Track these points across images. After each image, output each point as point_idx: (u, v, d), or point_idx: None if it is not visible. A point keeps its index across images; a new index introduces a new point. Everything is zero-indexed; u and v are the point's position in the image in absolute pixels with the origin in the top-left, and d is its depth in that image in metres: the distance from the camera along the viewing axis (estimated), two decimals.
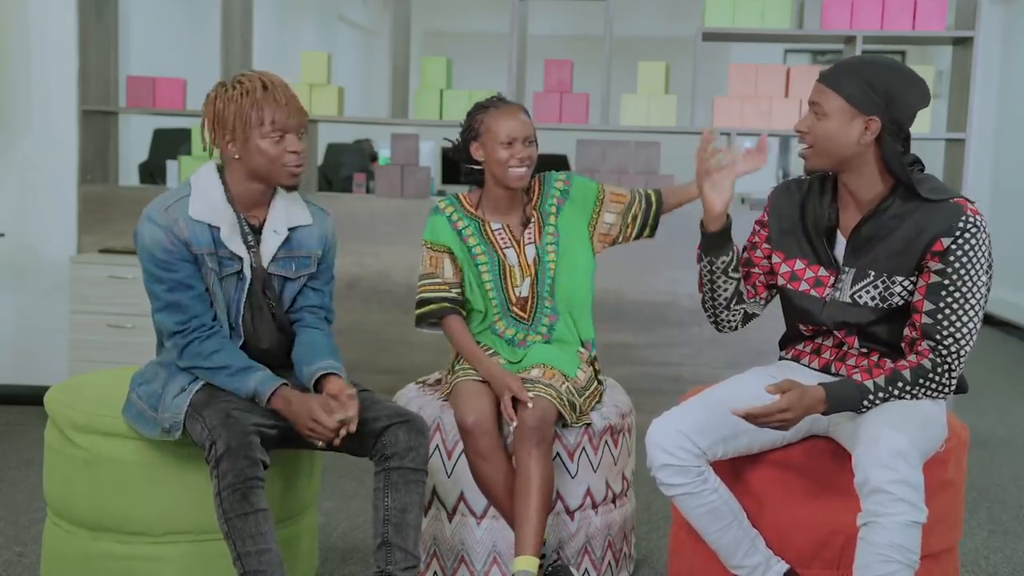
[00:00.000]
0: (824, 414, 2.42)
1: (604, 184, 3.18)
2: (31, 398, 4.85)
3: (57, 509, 2.78)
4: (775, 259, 2.65)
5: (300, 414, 2.51)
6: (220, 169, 2.65)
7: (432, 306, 3.08)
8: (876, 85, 2.39)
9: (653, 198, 3.19)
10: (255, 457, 2.41)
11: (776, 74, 4.87)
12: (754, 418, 2.39)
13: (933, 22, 4.70)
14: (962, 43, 4.79)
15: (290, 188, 2.65)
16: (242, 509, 2.38)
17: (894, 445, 2.24)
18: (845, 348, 2.58)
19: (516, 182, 3.01)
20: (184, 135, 5.49)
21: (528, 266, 3.08)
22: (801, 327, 2.65)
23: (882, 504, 2.23)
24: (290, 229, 2.68)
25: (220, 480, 2.39)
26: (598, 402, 3.09)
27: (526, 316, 3.09)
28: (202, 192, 2.60)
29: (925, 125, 4.75)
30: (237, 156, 2.57)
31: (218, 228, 2.58)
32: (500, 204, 3.10)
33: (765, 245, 2.68)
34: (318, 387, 2.61)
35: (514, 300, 3.08)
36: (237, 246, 2.60)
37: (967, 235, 2.38)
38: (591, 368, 3.11)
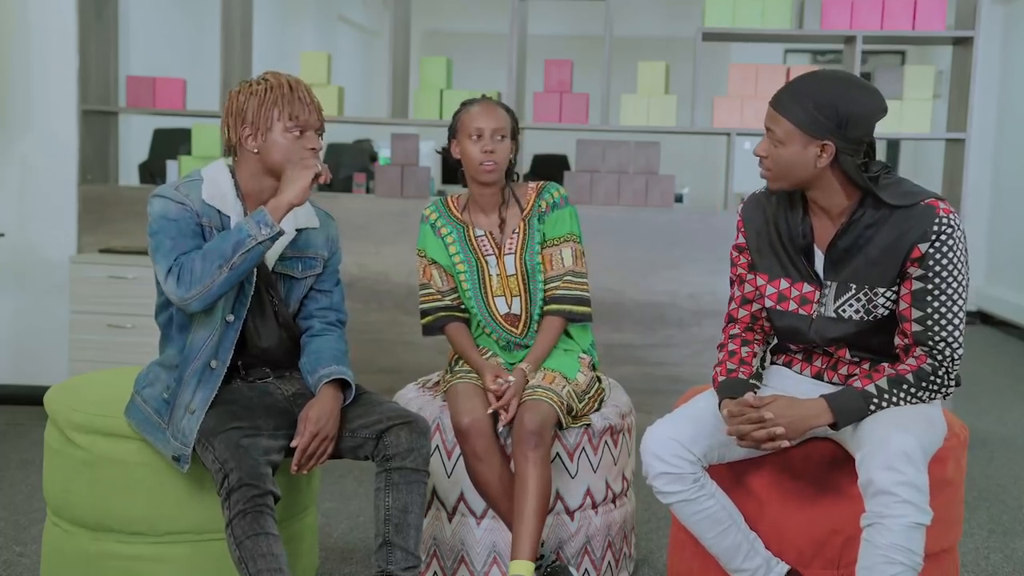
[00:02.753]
0: (834, 428, 2.41)
1: (573, 242, 3.06)
2: (31, 398, 4.85)
3: (57, 509, 2.78)
4: (759, 281, 2.58)
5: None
6: (231, 168, 2.64)
7: (429, 317, 3.11)
8: (824, 107, 2.32)
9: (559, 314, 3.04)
10: (267, 488, 2.41)
11: (776, 74, 4.86)
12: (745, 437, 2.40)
13: (933, 22, 4.70)
14: (962, 43, 4.79)
15: None
16: (253, 530, 2.37)
17: (901, 447, 2.24)
18: (836, 358, 2.57)
19: (484, 175, 2.98)
20: (184, 135, 5.48)
21: (507, 279, 3.06)
22: (791, 345, 2.62)
23: (887, 506, 2.22)
24: (298, 230, 2.69)
25: (231, 510, 2.39)
26: (600, 406, 3.07)
27: (518, 332, 3.08)
28: (213, 181, 2.60)
29: (925, 125, 4.75)
30: (256, 151, 2.58)
31: (228, 217, 2.58)
32: (481, 205, 3.08)
33: (749, 275, 2.62)
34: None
35: (499, 315, 3.07)
36: None
37: (943, 237, 2.35)
38: (592, 372, 3.10)
